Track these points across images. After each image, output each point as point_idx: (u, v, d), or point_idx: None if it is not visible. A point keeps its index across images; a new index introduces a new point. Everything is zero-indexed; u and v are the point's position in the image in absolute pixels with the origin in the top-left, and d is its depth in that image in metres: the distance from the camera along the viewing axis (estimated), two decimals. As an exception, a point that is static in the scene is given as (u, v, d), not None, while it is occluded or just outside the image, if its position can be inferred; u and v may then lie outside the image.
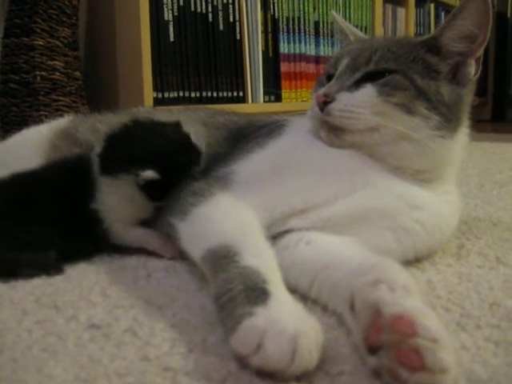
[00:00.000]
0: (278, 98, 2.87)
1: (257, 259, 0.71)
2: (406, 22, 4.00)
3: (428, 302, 0.76)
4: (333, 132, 0.90)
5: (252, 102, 2.72)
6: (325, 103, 0.88)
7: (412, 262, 0.92)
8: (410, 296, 0.60)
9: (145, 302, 0.77)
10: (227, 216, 0.82)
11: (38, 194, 0.98)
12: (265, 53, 2.82)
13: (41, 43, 2.33)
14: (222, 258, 0.72)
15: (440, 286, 0.82)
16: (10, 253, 0.91)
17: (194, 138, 1.02)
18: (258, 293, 0.64)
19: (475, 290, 0.80)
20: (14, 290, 0.84)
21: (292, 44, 3.00)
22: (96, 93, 2.55)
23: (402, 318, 0.55)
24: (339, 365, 0.58)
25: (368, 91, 0.87)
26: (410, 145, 0.88)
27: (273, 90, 2.81)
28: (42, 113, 2.26)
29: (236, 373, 0.57)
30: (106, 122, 1.22)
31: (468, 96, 0.94)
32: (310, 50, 3.13)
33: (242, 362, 0.57)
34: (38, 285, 0.86)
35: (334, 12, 1.18)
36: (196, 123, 1.13)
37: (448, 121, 0.89)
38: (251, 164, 0.94)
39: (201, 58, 2.53)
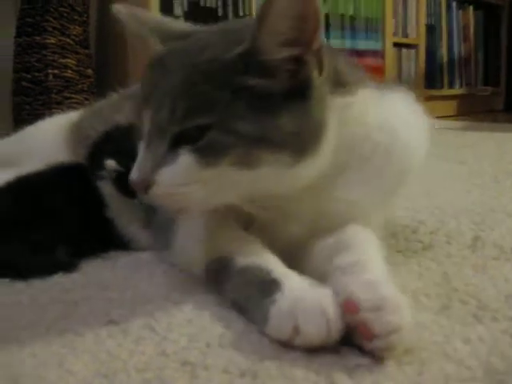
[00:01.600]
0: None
1: (250, 257, 0.72)
2: (417, 12, 3.98)
3: (444, 294, 0.75)
4: None
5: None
6: (146, 188, 0.70)
7: (427, 254, 0.92)
8: (360, 272, 0.66)
9: (162, 297, 0.77)
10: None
11: (49, 193, 0.99)
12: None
13: (52, 41, 2.34)
14: (222, 268, 0.74)
15: (456, 279, 0.81)
16: (23, 256, 0.92)
17: None
18: (269, 283, 0.66)
19: (491, 282, 0.80)
20: (32, 287, 0.85)
21: (302, 37, 3.00)
22: (108, 90, 2.56)
23: (347, 300, 0.60)
24: (356, 358, 0.59)
25: (187, 162, 0.68)
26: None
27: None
28: (55, 111, 2.27)
29: (254, 367, 0.58)
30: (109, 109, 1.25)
31: (320, 104, 0.70)
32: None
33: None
34: (56, 282, 0.87)
35: (116, 6, 0.83)
36: None
37: (304, 147, 0.70)
38: None
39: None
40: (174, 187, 0.69)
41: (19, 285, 0.86)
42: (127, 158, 0.95)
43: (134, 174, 0.71)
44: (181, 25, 0.87)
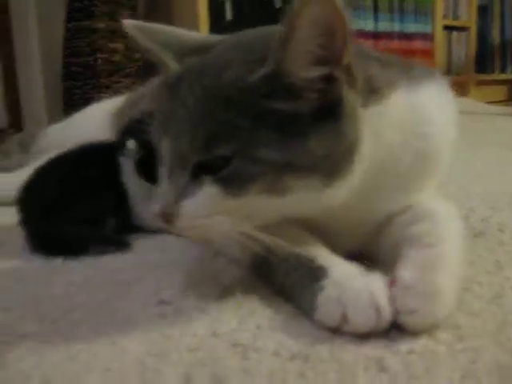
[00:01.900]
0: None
1: (297, 245, 0.71)
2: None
3: (497, 283, 0.74)
4: None
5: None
6: (169, 221, 0.66)
7: (479, 241, 0.90)
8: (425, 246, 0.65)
9: (212, 279, 0.78)
10: None
11: (85, 169, 1.02)
12: (322, 30, 2.79)
13: (101, 26, 2.38)
14: (268, 256, 0.71)
15: (509, 267, 0.80)
16: (79, 229, 0.95)
17: None
18: (316, 270, 0.66)
19: (545, 270, 0.78)
20: (86, 266, 0.87)
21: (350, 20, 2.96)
22: (155, 74, 2.58)
23: (392, 281, 0.61)
24: (408, 344, 0.58)
25: (210, 193, 0.64)
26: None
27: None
28: (104, 95, 2.31)
29: (305, 350, 0.58)
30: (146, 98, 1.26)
31: (352, 121, 0.64)
32: (369, 25, 3.08)
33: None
34: (107, 262, 0.89)
35: (125, 21, 0.77)
36: None
37: (336, 169, 0.65)
38: None
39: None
40: (198, 219, 0.65)
41: (72, 264, 0.88)
42: (145, 141, 0.98)
43: (157, 206, 0.67)
44: (195, 37, 0.80)
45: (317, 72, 0.62)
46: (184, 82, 0.67)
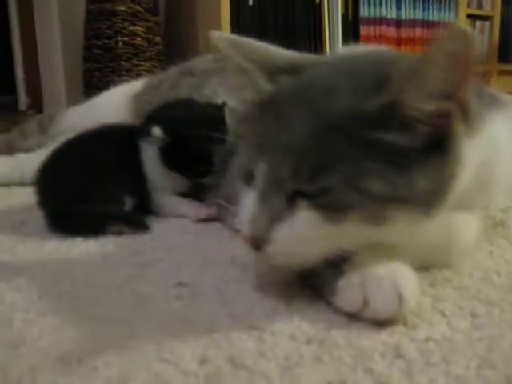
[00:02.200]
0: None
1: None
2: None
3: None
4: None
5: (330, 66, 2.68)
6: (260, 246, 0.63)
7: (498, 232, 0.90)
8: None
9: (230, 261, 0.79)
10: None
11: (102, 150, 1.03)
12: (344, 16, 2.78)
13: (123, 9, 2.38)
14: None
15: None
16: (97, 208, 0.96)
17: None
18: None
19: None
20: (104, 247, 0.88)
21: (372, 7, 2.93)
22: (175, 57, 2.58)
23: None
24: (425, 331, 0.58)
25: (307, 219, 0.61)
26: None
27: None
28: (124, 78, 2.32)
29: (321, 335, 0.58)
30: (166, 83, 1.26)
31: (459, 155, 0.62)
32: (391, 13, 3.05)
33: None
34: (126, 243, 0.90)
35: (216, 33, 0.74)
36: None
37: (435, 203, 0.62)
38: None
39: (279, 21, 2.52)
40: (293, 245, 0.62)
41: (92, 245, 0.89)
42: (176, 129, 1.01)
43: (248, 229, 0.63)
44: (285, 55, 0.75)
45: (437, 106, 0.59)
46: (285, 104, 0.64)
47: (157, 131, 1.01)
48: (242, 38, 0.73)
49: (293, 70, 0.70)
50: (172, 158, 1.03)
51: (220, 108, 1.08)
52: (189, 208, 1.04)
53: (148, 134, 1.02)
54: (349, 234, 0.61)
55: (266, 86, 0.70)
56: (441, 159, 0.61)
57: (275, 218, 0.62)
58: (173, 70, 1.45)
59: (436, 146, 0.60)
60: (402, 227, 0.62)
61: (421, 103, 0.59)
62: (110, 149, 1.03)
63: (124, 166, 1.02)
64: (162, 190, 1.06)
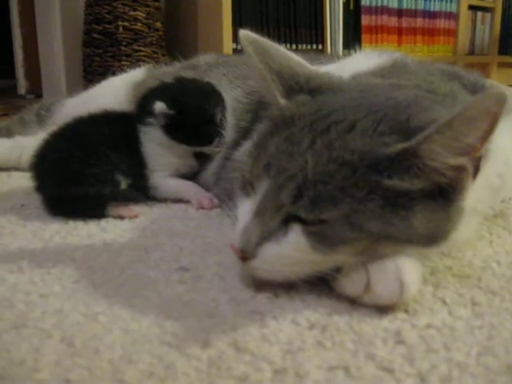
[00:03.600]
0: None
1: None
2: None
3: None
4: None
5: (331, 55, 2.68)
6: (245, 258, 0.63)
7: (498, 222, 0.90)
8: None
9: (231, 248, 0.78)
10: None
11: (97, 131, 1.03)
12: (346, 5, 2.77)
13: (123, -7, 2.36)
14: None
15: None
16: (93, 189, 0.96)
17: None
18: None
19: None
20: (105, 232, 0.88)
21: (374, -4, 2.92)
22: (176, 43, 2.57)
23: None
24: (427, 318, 0.59)
25: (298, 243, 0.60)
26: None
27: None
28: (124, 63, 2.31)
29: (323, 320, 0.59)
30: (169, 75, 1.26)
31: (462, 204, 0.62)
32: (393, 2, 3.04)
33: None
34: (127, 227, 0.90)
35: (244, 32, 0.72)
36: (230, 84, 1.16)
37: (434, 242, 0.62)
38: None
39: (281, 9, 2.50)
40: (277, 264, 0.62)
41: (93, 228, 0.89)
42: (181, 103, 1.01)
43: (237, 240, 0.63)
44: (305, 69, 0.72)
45: (455, 161, 0.59)
46: (299, 129, 0.63)
47: (160, 106, 1.01)
48: (267, 42, 0.72)
49: (310, 89, 0.69)
50: (177, 129, 1.03)
51: (210, 84, 1.10)
52: (191, 193, 1.04)
53: (149, 113, 1.02)
54: (335, 261, 0.61)
55: (281, 100, 0.68)
56: (443, 208, 0.60)
57: (265, 236, 0.62)
58: (176, 65, 1.44)
59: (440, 194, 0.60)
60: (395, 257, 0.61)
61: (445, 156, 0.58)
62: (104, 132, 1.03)
63: (118, 147, 1.01)
64: (162, 171, 1.05)
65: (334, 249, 0.60)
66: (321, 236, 0.59)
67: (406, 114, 0.60)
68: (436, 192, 0.60)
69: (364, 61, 0.96)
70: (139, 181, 1.04)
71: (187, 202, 1.03)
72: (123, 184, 1.00)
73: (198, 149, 1.07)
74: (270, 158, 0.63)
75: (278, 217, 0.61)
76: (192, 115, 1.02)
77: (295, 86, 0.69)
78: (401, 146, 0.58)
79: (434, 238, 0.61)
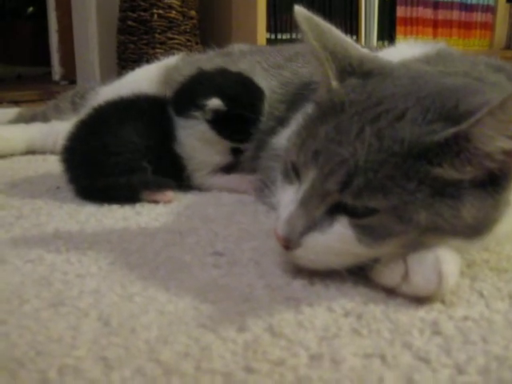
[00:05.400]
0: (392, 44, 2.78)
1: None
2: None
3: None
4: None
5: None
6: (289, 247, 0.62)
7: None
8: None
9: (264, 234, 0.79)
10: None
11: (125, 119, 1.02)
12: (382, -4, 2.73)
13: (158, -19, 2.36)
14: None
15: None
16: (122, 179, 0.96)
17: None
18: None
19: None
20: (140, 216, 0.89)
21: (410, -13, 2.88)
22: (210, 32, 2.57)
23: None
24: (464, 310, 0.58)
25: (343, 234, 0.60)
26: None
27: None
28: (158, 50, 2.32)
29: (358, 308, 0.58)
30: (203, 61, 1.25)
31: (510, 191, 0.61)
32: (429, -6, 2.99)
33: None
34: (162, 211, 0.90)
35: (298, 9, 0.72)
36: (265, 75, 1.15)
37: (480, 233, 0.61)
38: None
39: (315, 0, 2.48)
40: (321, 254, 0.61)
41: (128, 212, 0.90)
42: (236, 100, 0.99)
43: (282, 228, 0.62)
44: (358, 51, 0.71)
45: (508, 145, 0.57)
46: (351, 116, 0.61)
47: (216, 103, 0.97)
48: (321, 22, 0.71)
49: (363, 72, 0.68)
50: (225, 125, 1.00)
51: (250, 78, 1.07)
52: (242, 187, 1.03)
53: (195, 106, 0.99)
54: (379, 253, 0.61)
55: (334, 83, 0.67)
56: (492, 196, 0.59)
57: (311, 225, 0.61)
58: (210, 52, 1.44)
59: (490, 182, 0.59)
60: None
61: (497, 140, 0.56)
62: (133, 115, 1.02)
63: (146, 134, 1.00)
64: (203, 170, 1.04)
65: (381, 242, 0.59)
66: (368, 229, 0.59)
67: (455, 99, 0.59)
68: (486, 179, 0.58)
69: (409, 50, 0.95)
70: (168, 168, 1.02)
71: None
72: (148, 169, 0.99)
73: (238, 145, 1.04)
74: (318, 146, 0.61)
75: (324, 206, 0.61)
76: (243, 112, 1.00)
77: (348, 67, 0.68)
78: (451, 130, 0.56)
79: (479, 228, 0.60)
